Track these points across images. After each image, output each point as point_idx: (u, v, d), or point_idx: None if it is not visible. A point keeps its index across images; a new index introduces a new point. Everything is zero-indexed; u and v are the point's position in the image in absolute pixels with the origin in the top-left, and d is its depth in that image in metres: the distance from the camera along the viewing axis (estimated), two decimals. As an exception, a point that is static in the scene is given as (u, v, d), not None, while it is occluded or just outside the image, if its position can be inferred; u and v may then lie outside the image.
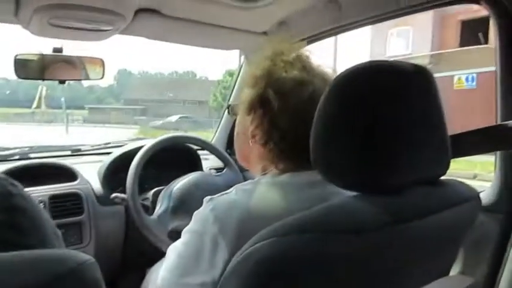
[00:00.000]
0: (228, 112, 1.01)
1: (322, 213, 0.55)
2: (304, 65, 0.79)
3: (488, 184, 1.09)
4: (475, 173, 7.42)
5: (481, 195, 0.73)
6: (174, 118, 24.94)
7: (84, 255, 0.46)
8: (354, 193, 0.61)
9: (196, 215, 0.73)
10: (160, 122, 23.86)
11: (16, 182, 0.53)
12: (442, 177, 0.66)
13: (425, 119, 0.60)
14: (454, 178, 0.70)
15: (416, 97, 0.60)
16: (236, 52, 1.87)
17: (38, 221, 0.53)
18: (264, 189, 0.73)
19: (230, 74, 27.88)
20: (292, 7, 1.31)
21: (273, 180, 0.75)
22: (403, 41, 14.16)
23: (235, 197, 0.72)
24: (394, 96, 0.58)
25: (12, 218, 0.49)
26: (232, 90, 1.91)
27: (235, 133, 0.91)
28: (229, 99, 1.95)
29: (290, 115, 0.75)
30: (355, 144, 0.58)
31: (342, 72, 0.61)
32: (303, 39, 1.47)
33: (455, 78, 10.39)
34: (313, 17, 1.33)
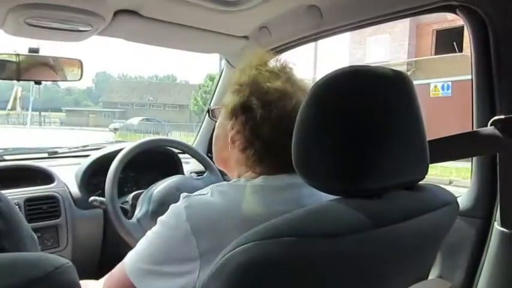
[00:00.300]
0: (209, 115, 1.02)
1: (300, 217, 0.55)
2: (289, 76, 0.81)
3: (463, 190, 1.11)
4: (450, 179, 7.60)
5: (458, 200, 0.74)
6: (135, 120, 24.80)
7: (61, 259, 0.45)
8: (333, 196, 0.62)
9: (171, 208, 0.74)
10: (121, 123, 23.74)
11: None
12: (420, 182, 0.68)
13: (404, 124, 0.61)
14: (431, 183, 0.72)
15: (396, 102, 0.61)
16: (217, 56, 1.87)
17: (13, 223, 0.52)
18: (238, 192, 0.74)
19: (211, 78, 27.84)
20: (273, 12, 1.32)
21: (248, 183, 0.76)
22: (381, 48, 14.44)
23: (210, 198, 0.72)
24: (374, 100, 0.59)
25: None
26: (213, 95, 1.91)
27: (214, 135, 0.92)
28: (210, 103, 1.95)
29: (272, 125, 0.76)
30: (334, 148, 0.58)
31: (323, 77, 0.62)
32: (284, 44, 1.49)
33: (432, 86, 10.65)
34: (294, 22, 1.34)
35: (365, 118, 0.58)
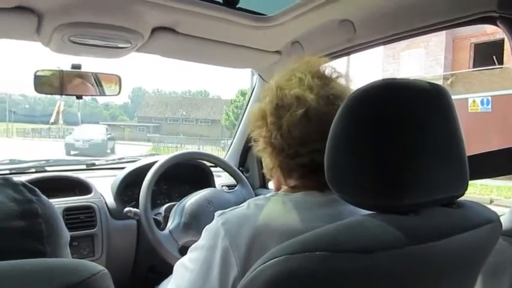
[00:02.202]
0: None
1: (333, 232, 0.55)
2: (310, 84, 0.76)
3: (505, 210, 1.06)
4: (491, 197, 7.26)
5: (501, 219, 0.71)
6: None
7: (97, 266, 0.47)
8: (369, 212, 0.60)
9: (207, 229, 0.72)
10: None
11: (35, 189, 0.55)
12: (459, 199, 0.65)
13: (442, 138, 0.60)
14: (470, 202, 0.68)
15: (433, 115, 0.59)
16: (248, 71, 1.90)
17: (54, 227, 0.54)
18: (276, 206, 0.72)
19: (243, 93, 28.16)
20: (306, 27, 1.32)
21: (286, 198, 0.74)
22: (415, 63, 14.15)
23: (247, 211, 0.71)
24: (409, 114, 0.57)
25: (31, 224, 0.50)
26: (245, 109, 1.93)
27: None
28: (241, 117, 1.97)
29: (283, 133, 0.74)
30: (369, 162, 0.57)
31: (356, 90, 0.61)
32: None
33: (470, 101, 10.29)
34: (326, 37, 1.34)
35: (400, 132, 0.57)
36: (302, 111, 0.73)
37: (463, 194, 0.64)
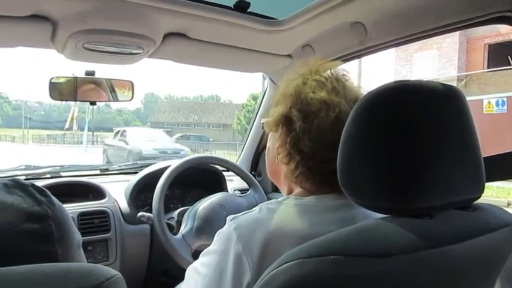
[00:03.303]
0: (263, 127, 1.01)
1: (346, 236, 0.54)
2: (335, 85, 0.76)
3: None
4: (508, 200, 7.12)
5: None
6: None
7: (112, 271, 0.47)
8: (384, 215, 0.60)
9: (219, 234, 0.72)
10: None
11: (45, 190, 0.55)
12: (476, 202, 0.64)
13: (457, 140, 0.59)
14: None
15: (447, 117, 0.58)
16: (259, 76, 1.90)
17: (65, 229, 0.54)
18: (289, 210, 0.72)
19: (254, 97, 28.23)
20: (317, 30, 1.32)
21: (298, 201, 0.74)
22: (428, 64, 14.01)
23: (260, 215, 0.71)
24: (424, 115, 0.57)
25: (42, 226, 0.51)
26: (257, 114, 1.93)
27: (267, 147, 0.91)
28: (253, 122, 1.97)
29: (312, 138, 0.73)
30: (383, 165, 0.57)
31: (369, 92, 0.61)
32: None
33: (485, 102, 10.13)
34: (338, 40, 1.34)
35: (414, 134, 0.56)
36: (334, 115, 0.72)
37: (479, 197, 0.63)
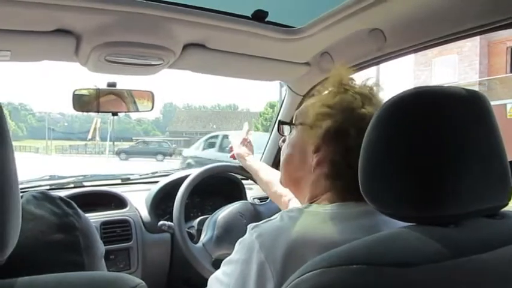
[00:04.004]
0: (278, 130, 1.00)
1: (369, 244, 0.53)
2: (379, 100, 0.78)
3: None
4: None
5: None
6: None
7: (136, 279, 0.47)
8: (407, 223, 0.58)
9: (241, 243, 0.71)
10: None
11: (71, 202, 0.56)
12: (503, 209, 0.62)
13: (482, 146, 0.57)
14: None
15: (472, 122, 0.57)
16: (277, 84, 1.90)
17: (91, 239, 0.55)
18: (311, 218, 0.71)
19: (271, 105, 28.25)
20: (335, 37, 1.32)
21: (320, 209, 0.73)
22: (448, 69, 13.79)
23: (281, 223, 0.70)
24: (447, 121, 0.56)
25: (68, 236, 0.52)
26: (275, 121, 1.93)
27: (287, 154, 0.90)
28: (272, 130, 1.97)
29: (357, 153, 0.70)
30: (407, 172, 0.56)
31: (390, 99, 0.60)
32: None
33: (508, 107, 9.87)
34: (356, 47, 1.33)
35: (438, 140, 0.55)
36: None
37: (506, 204, 0.61)
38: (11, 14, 1.02)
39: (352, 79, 0.81)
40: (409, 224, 0.58)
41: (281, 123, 0.99)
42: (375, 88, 0.81)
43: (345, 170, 0.74)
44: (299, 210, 0.74)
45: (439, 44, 1.20)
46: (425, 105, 0.57)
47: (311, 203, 0.80)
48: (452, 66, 13.60)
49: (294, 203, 1.15)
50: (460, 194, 0.55)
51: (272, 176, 1.35)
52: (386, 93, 0.80)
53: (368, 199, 0.61)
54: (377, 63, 1.47)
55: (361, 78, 0.84)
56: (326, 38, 1.33)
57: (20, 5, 0.98)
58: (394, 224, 0.65)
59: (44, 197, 0.55)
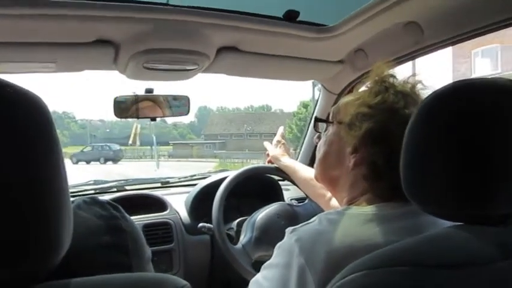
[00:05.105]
0: (314, 127, 0.99)
1: (415, 246, 0.52)
2: (418, 100, 0.75)
3: None
4: None
5: None
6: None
7: (182, 281, 0.49)
8: (453, 223, 0.57)
9: (280, 247, 0.71)
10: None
11: (118, 206, 0.59)
12: None
13: None
14: None
15: None
16: (309, 83, 1.89)
17: (138, 242, 0.57)
18: (351, 220, 0.70)
19: (305, 105, 28.03)
20: (369, 33, 1.30)
21: (360, 211, 0.72)
22: (489, 60, 13.17)
23: (320, 226, 0.69)
24: (495, 115, 0.53)
25: (117, 239, 0.54)
26: (310, 121, 1.92)
27: (323, 151, 0.88)
28: (307, 130, 1.96)
29: (398, 154, 0.69)
30: (453, 170, 0.54)
31: (431, 94, 0.58)
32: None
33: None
34: (392, 42, 1.30)
35: (485, 135, 0.53)
36: None
37: None
38: (56, 27, 1.07)
39: (393, 76, 0.79)
40: (457, 223, 0.56)
41: (317, 120, 0.98)
42: (418, 85, 0.78)
43: (386, 171, 0.73)
44: (338, 213, 0.73)
45: (479, 34, 1.15)
46: (469, 99, 0.55)
47: (349, 204, 0.79)
48: (493, 56, 12.98)
49: (336, 202, 1.14)
50: (510, 192, 0.52)
51: (310, 175, 1.34)
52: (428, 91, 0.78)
53: (412, 199, 0.59)
54: (413, 58, 1.43)
55: (398, 74, 0.81)
56: (360, 35, 1.31)
57: (63, 18, 1.03)
58: (441, 225, 0.63)
59: (93, 202, 0.58)
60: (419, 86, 0.79)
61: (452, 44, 1.26)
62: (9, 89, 0.40)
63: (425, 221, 0.68)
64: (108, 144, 27.30)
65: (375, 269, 0.49)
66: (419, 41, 1.25)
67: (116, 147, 26.71)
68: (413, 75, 0.80)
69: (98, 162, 24.04)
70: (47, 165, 0.41)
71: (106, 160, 24.61)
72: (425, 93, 0.77)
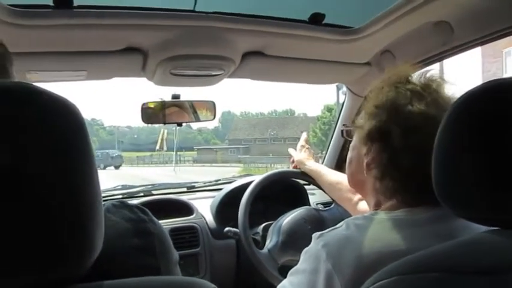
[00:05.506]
0: (342, 135, 0.98)
1: (449, 251, 0.50)
2: (435, 97, 0.72)
3: None
4: None
5: None
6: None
7: (210, 284, 0.49)
8: (488, 228, 0.55)
9: (307, 252, 0.70)
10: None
11: (146, 210, 0.60)
12: None
13: None
14: None
15: None
16: (333, 86, 1.88)
17: (166, 244, 0.58)
18: (379, 225, 0.69)
19: (329, 109, 27.84)
20: (397, 34, 1.27)
21: (389, 216, 0.70)
22: (523, 59, 12.72)
23: (347, 232, 0.68)
24: None
25: (145, 241, 0.55)
26: (336, 126, 1.91)
27: (348, 156, 0.89)
28: (332, 135, 1.94)
29: (414, 153, 0.68)
30: (488, 172, 0.52)
31: (463, 95, 0.56)
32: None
33: None
34: (420, 42, 1.27)
35: None
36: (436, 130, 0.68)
37: None
38: (87, 36, 1.11)
39: (410, 76, 0.77)
40: (492, 228, 0.54)
41: (344, 127, 0.98)
42: (436, 81, 0.75)
43: (392, 171, 0.72)
44: (365, 218, 0.71)
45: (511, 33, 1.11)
46: (504, 99, 0.53)
47: (376, 209, 0.78)
48: (527, 55, 12.53)
49: (363, 206, 1.12)
50: None
51: (337, 179, 1.32)
52: (452, 87, 0.75)
53: (444, 202, 0.57)
54: (442, 59, 1.39)
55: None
56: (387, 36, 1.29)
57: (95, 28, 1.07)
58: (475, 229, 0.61)
59: (122, 205, 0.59)
60: (438, 81, 0.75)
61: (483, 43, 1.22)
62: (46, 96, 0.42)
63: (458, 226, 0.66)
64: (106, 150, 27.67)
65: (406, 274, 0.48)
66: (449, 41, 1.22)
67: (115, 153, 27.08)
68: (424, 72, 0.77)
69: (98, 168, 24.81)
70: (82, 171, 0.42)
71: (105, 166, 24.85)
72: (445, 88, 0.75)
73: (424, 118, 0.69)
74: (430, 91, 0.73)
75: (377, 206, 0.79)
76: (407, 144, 0.70)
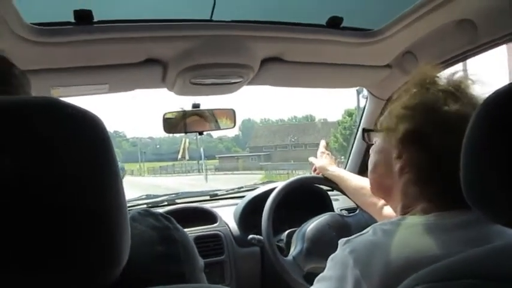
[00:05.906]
0: (363, 137, 0.97)
1: (483, 257, 0.48)
2: (469, 97, 0.71)
3: None
4: None
5: None
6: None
7: None
8: None
9: (333, 259, 0.69)
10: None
11: (171, 217, 0.60)
12: None
13: None
14: None
15: None
16: (353, 91, 1.86)
17: (190, 251, 0.58)
18: (408, 230, 0.67)
19: (349, 113, 27.59)
20: (418, 34, 1.25)
21: (417, 221, 0.68)
22: (551, 56, 12.28)
23: (374, 237, 0.67)
24: None
25: (169, 248, 0.55)
26: (358, 129, 1.88)
27: (371, 161, 0.86)
28: (355, 138, 1.92)
29: (455, 155, 0.64)
30: None
31: (493, 94, 0.54)
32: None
33: None
34: (443, 42, 1.24)
35: None
36: None
37: None
38: (108, 50, 1.13)
39: (437, 77, 0.75)
40: None
41: (365, 130, 0.96)
42: (464, 82, 0.74)
43: (433, 173, 0.70)
44: (393, 223, 0.70)
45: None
46: None
47: (404, 213, 0.75)
48: (555, 52, 12.09)
49: (388, 210, 1.09)
50: None
51: (361, 184, 1.30)
52: (480, 87, 0.73)
53: (474, 205, 0.55)
54: (465, 58, 1.36)
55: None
56: (408, 37, 1.27)
57: (115, 42, 1.09)
58: (509, 235, 0.59)
59: (147, 214, 0.59)
60: (467, 82, 0.74)
61: (508, 41, 1.19)
62: (70, 109, 0.42)
63: (491, 231, 0.63)
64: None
65: (438, 282, 0.46)
66: (473, 40, 1.18)
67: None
68: (453, 73, 0.76)
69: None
70: (108, 182, 0.43)
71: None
72: (474, 89, 0.73)
73: (461, 118, 0.66)
74: (462, 91, 0.72)
75: (404, 211, 0.76)
76: (448, 146, 0.67)
